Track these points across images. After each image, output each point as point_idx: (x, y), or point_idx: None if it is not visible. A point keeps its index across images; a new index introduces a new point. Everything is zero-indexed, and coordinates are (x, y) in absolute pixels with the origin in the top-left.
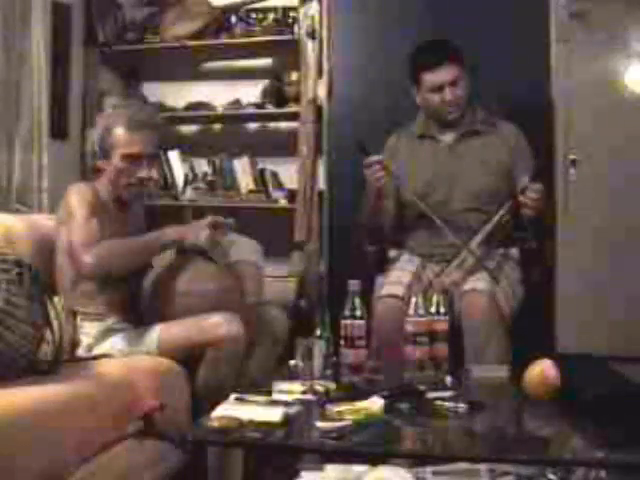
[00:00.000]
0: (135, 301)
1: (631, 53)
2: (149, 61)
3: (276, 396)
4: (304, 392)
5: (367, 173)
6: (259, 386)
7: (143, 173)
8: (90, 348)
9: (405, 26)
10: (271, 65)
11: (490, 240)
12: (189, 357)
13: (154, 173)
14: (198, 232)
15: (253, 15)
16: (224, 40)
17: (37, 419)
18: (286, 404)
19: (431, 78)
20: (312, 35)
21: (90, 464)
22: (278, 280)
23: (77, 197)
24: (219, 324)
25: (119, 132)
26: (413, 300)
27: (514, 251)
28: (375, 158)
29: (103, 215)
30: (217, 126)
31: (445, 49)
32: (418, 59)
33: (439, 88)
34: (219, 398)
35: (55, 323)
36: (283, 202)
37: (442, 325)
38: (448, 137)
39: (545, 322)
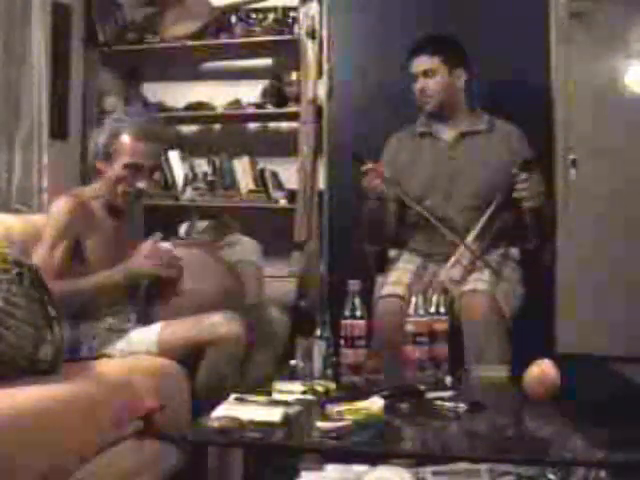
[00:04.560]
0: (135, 301)
1: (631, 53)
2: (149, 61)
3: (276, 396)
4: (304, 392)
5: (364, 181)
6: (259, 386)
7: (142, 184)
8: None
9: (405, 26)
10: (271, 65)
11: (485, 235)
12: (189, 357)
13: (156, 177)
14: (140, 262)
15: (253, 15)
16: (224, 40)
17: (37, 419)
18: (286, 404)
19: (409, 65)
20: (312, 35)
21: (90, 464)
22: (278, 280)
23: (54, 217)
24: (219, 324)
25: (126, 140)
26: (413, 300)
27: (514, 251)
28: (370, 166)
29: (88, 228)
30: (217, 126)
31: (429, 40)
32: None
33: (415, 77)
34: (219, 398)
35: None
36: (283, 202)
37: (442, 325)
38: (448, 135)
39: (545, 322)
